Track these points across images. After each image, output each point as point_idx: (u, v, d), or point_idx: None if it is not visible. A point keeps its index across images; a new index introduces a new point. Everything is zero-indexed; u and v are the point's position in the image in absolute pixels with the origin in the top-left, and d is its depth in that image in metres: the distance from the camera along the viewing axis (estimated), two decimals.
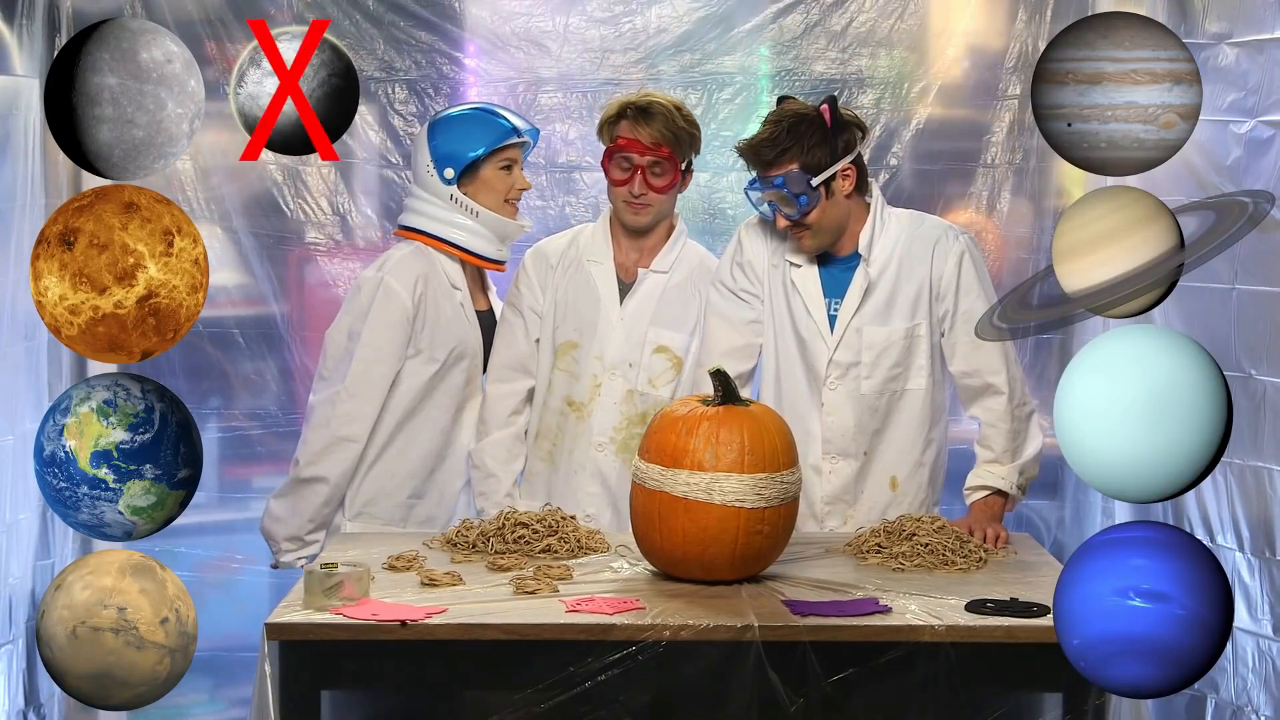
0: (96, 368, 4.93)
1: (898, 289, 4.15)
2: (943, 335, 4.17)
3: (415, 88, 5.08)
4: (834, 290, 4.18)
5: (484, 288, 4.62)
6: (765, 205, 4.12)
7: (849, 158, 4.07)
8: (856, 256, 4.16)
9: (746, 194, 4.15)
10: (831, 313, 4.17)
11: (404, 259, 4.42)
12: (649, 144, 4.29)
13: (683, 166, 4.36)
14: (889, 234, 4.17)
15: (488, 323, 4.54)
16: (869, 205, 4.18)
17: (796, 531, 4.11)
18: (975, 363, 4.14)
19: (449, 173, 4.42)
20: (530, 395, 4.48)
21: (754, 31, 5.11)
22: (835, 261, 4.19)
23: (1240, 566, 4.40)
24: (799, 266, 4.19)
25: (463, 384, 4.47)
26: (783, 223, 4.07)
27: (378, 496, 4.42)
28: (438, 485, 4.47)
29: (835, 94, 4.17)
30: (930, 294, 4.15)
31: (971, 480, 4.15)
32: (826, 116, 4.04)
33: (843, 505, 4.18)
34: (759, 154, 4.04)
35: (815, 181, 4.02)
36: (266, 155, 5.01)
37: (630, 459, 4.26)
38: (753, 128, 5.02)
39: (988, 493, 4.11)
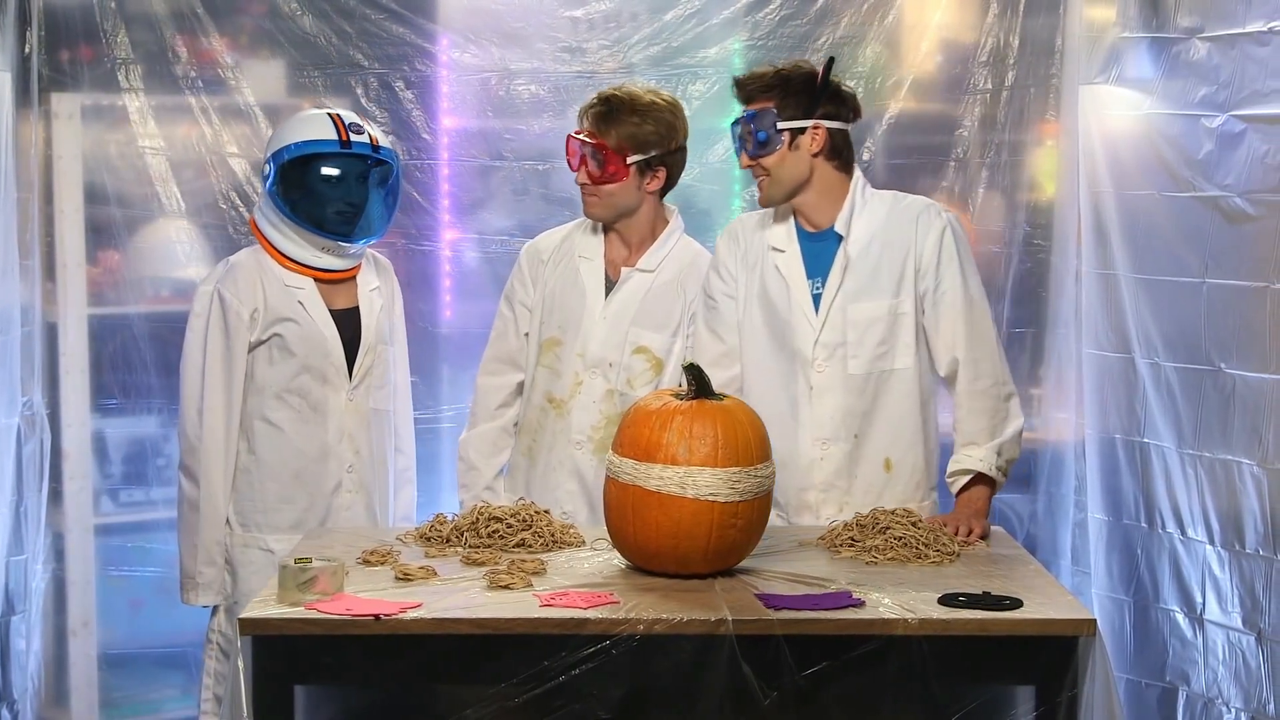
0: (69, 365, 4.93)
1: (880, 266, 4.12)
2: (923, 313, 4.16)
3: (387, 81, 5.07)
4: (816, 270, 4.16)
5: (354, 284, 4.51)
6: (738, 139, 4.13)
7: (826, 123, 4.09)
8: (837, 234, 4.14)
9: (731, 130, 4.18)
10: (815, 292, 4.15)
11: (235, 266, 4.42)
12: (587, 135, 4.30)
13: (635, 160, 4.30)
14: (869, 212, 4.15)
15: (349, 320, 4.46)
16: (850, 186, 4.18)
17: (794, 525, 4.11)
18: (953, 340, 4.11)
19: (265, 168, 4.40)
20: (520, 389, 4.49)
21: (727, 24, 5.11)
22: (815, 239, 4.17)
23: (1210, 559, 4.42)
24: (782, 251, 4.18)
25: (317, 384, 4.42)
26: (745, 162, 4.11)
27: (246, 501, 4.42)
28: (306, 487, 4.42)
29: (834, 57, 4.20)
30: (914, 271, 4.13)
31: (951, 466, 4.11)
32: (819, 72, 4.10)
33: (837, 492, 4.14)
34: (739, 85, 4.14)
35: (781, 125, 4.06)
36: (235, 149, 5.02)
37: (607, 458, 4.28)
38: (729, 121, 5.06)
39: (968, 477, 4.07)
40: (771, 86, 4.07)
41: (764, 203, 4.15)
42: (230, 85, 5.01)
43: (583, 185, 4.34)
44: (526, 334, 4.46)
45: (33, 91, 4.81)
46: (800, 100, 4.07)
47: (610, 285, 4.40)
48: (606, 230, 4.42)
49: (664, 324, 4.37)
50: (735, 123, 4.13)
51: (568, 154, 4.37)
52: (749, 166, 4.11)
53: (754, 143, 4.07)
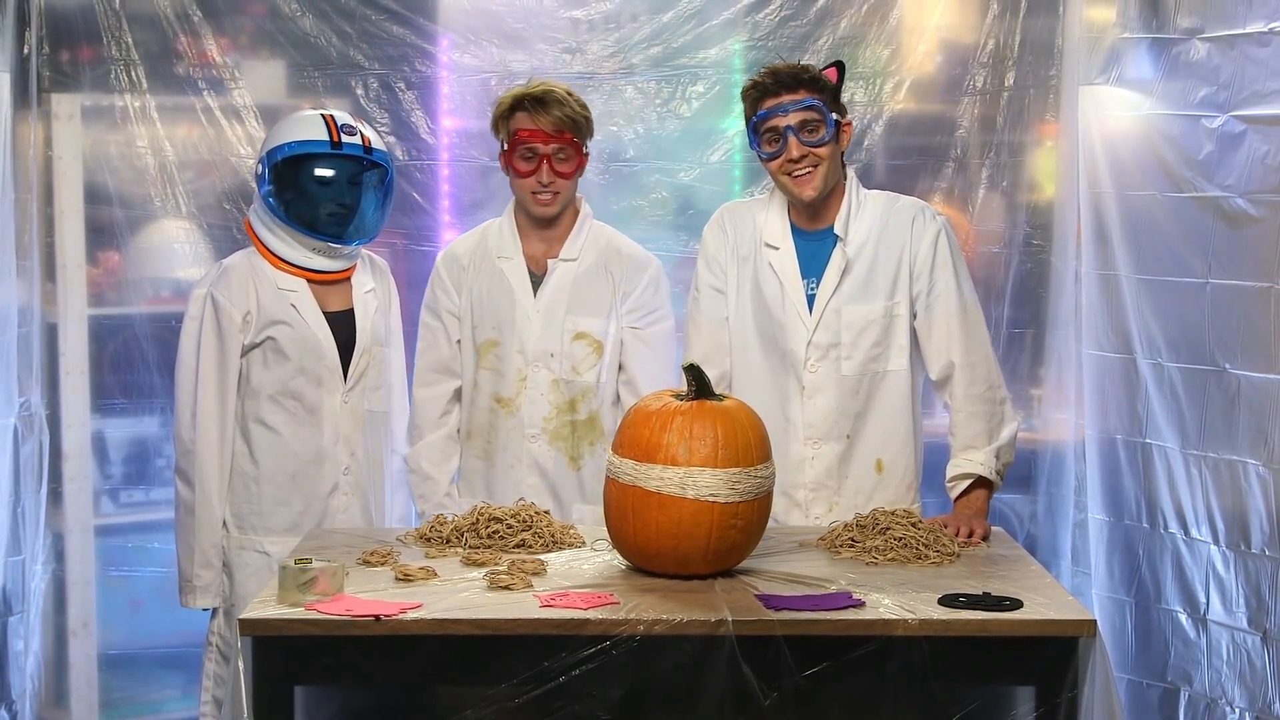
0: (68, 365, 4.93)
1: (875, 267, 4.12)
2: (915, 316, 4.15)
3: (387, 82, 5.07)
4: (811, 270, 4.15)
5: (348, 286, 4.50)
6: (785, 128, 4.01)
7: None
8: (833, 233, 4.14)
9: (758, 120, 4.06)
10: (809, 293, 4.14)
11: (228, 269, 4.40)
12: (552, 132, 4.31)
13: (585, 147, 4.40)
14: (865, 213, 4.16)
15: (344, 322, 4.45)
16: (844, 185, 4.17)
17: (781, 524, 4.11)
18: (947, 344, 4.11)
19: (258, 168, 4.39)
20: (457, 394, 4.50)
21: (727, 25, 5.11)
22: (812, 237, 4.16)
23: (1215, 560, 4.42)
24: (776, 249, 4.16)
25: (311, 386, 4.40)
26: (798, 150, 4.03)
27: (243, 504, 4.41)
28: (302, 490, 4.41)
29: (843, 61, 4.20)
30: (909, 273, 4.13)
31: (951, 470, 4.11)
32: (834, 77, 4.10)
33: (827, 491, 4.15)
34: (793, 74, 4.04)
35: (834, 115, 4.06)
36: (238, 150, 5.01)
37: (563, 446, 4.37)
38: (730, 121, 5.05)
39: (969, 481, 4.07)
40: (816, 79, 4.06)
41: (812, 195, 4.06)
42: (230, 86, 5.00)
43: (546, 185, 4.33)
44: (458, 341, 4.47)
45: (31, 92, 4.80)
46: (834, 97, 4.09)
47: (536, 280, 4.43)
48: (521, 229, 4.44)
49: (597, 308, 4.41)
50: (781, 110, 4.02)
51: (515, 158, 4.34)
52: (803, 156, 4.02)
53: (826, 129, 4.03)
